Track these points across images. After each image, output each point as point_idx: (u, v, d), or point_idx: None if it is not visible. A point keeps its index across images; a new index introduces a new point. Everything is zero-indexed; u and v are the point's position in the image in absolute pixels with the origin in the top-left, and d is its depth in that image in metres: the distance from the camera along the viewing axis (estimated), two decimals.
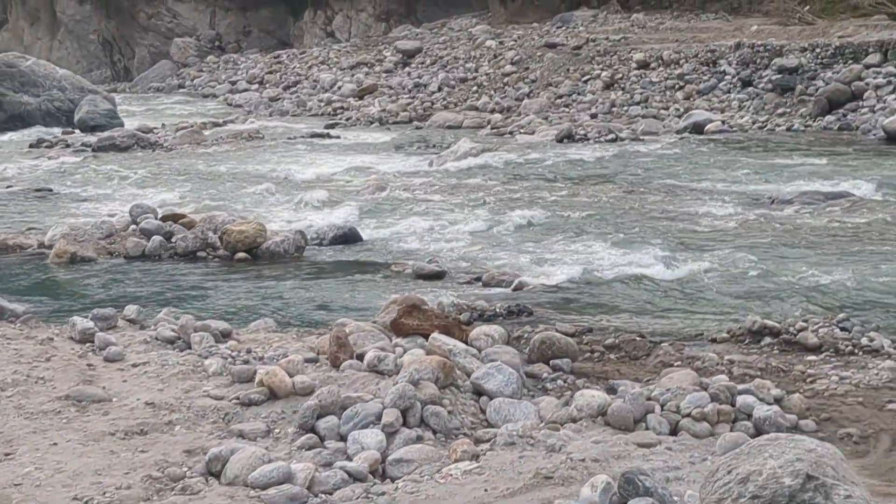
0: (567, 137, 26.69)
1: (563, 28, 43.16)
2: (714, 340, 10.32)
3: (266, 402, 7.28)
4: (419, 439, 6.62)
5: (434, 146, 27.18)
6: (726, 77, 30.33)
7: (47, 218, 18.41)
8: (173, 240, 14.80)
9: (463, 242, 15.71)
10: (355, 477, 6.04)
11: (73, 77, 38.69)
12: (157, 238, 14.70)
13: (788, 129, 26.18)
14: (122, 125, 32.88)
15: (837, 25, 32.39)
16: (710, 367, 9.05)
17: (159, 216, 16.06)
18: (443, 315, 9.68)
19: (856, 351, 9.59)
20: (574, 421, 7.08)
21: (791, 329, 10.15)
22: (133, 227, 15.63)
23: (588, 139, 26.60)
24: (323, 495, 5.83)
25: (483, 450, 6.49)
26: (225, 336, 9.17)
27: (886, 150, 22.77)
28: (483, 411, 7.43)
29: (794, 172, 20.67)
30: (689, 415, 7.13)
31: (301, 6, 60.72)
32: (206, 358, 8.31)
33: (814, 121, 26.33)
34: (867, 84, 26.62)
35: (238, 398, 7.31)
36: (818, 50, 28.84)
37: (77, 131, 31.99)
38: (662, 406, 7.33)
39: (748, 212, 17.15)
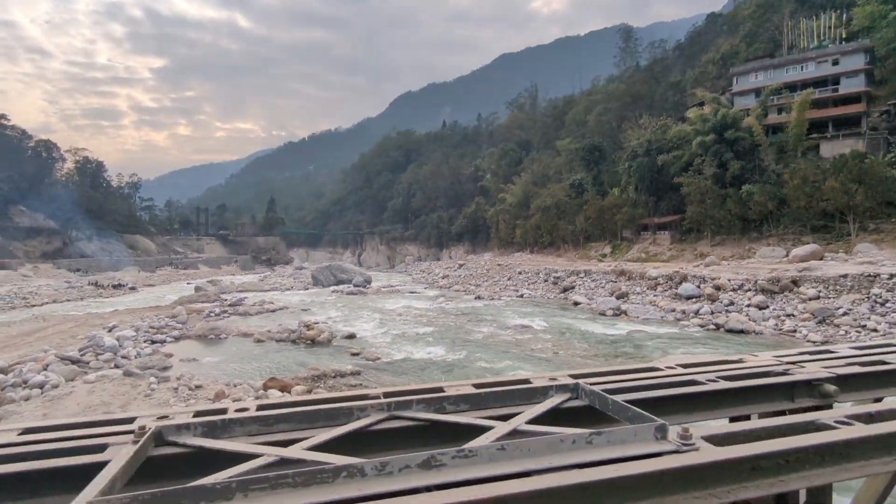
0: (478, 298, 23.96)
1: (512, 256, 39.91)
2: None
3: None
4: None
5: (442, 298, 24.01)
6: (540, 278, 26.96)
7: (288, 321, 15.53)
8: (292, 335, 13.07)
9: (387, 339, 13.42)
10: None
11: (357, 268, 38.58)
12: (284, 332, 13.20)
13: (548, 298, 22.68)
14: (366, 284, 31.21)
15: (579, 262, 29.06)
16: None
17: (304, 324, 13.86)
18: (286, 380, 8.12)
19: None
20: None
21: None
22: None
23: (483, 298, 23.68)
24: None
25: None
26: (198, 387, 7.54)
27: (575, 310, 18.75)
28: None
29: (532, 315, 17.28)
30: None
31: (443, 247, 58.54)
32: (156, 386, 6.88)
33: (562, 294, 22.81)
34: (580, 281, 23.10)
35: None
36: (569, 270, 25.45)
37: (352, 286, 30.61)
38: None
39: (496, 332, 14.32)
